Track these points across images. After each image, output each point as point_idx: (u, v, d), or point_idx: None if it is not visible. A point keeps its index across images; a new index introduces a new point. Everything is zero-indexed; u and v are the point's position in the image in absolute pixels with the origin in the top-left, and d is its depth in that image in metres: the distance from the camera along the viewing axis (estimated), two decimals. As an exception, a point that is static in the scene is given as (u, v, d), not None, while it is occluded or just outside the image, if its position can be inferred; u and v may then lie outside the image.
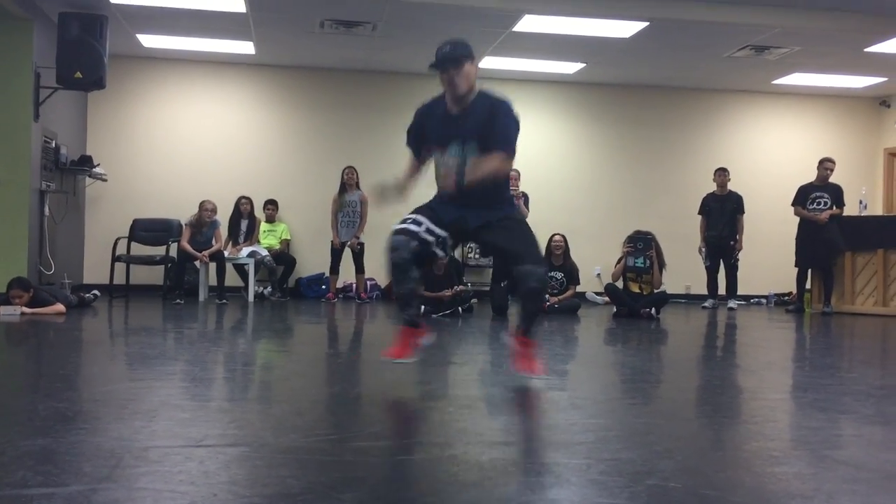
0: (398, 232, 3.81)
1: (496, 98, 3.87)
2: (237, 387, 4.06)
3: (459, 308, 8.10)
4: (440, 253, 3.92)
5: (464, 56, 3.78)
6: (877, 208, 11.59)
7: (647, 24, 8.41)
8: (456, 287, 8.21)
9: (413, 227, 3.81)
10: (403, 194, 3.96)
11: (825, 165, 9.51)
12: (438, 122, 3.90)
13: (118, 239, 9.56)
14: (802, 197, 9.49)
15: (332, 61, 10.45)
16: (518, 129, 3.84)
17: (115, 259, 9.42)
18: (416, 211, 3.92)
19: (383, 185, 3.95)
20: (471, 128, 3.79)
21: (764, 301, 11.22)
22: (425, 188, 4.05)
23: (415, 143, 4.05)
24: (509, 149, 3.78)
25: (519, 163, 11.58)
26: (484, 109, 3.81)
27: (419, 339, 4.06)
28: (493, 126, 3.77)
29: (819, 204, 9.41)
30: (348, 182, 9.79)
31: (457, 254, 10.38)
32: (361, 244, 9.75)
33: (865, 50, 9.30)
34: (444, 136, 3.86)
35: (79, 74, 8.10)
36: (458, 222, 3.86)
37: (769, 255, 10.95)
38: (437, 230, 3.83)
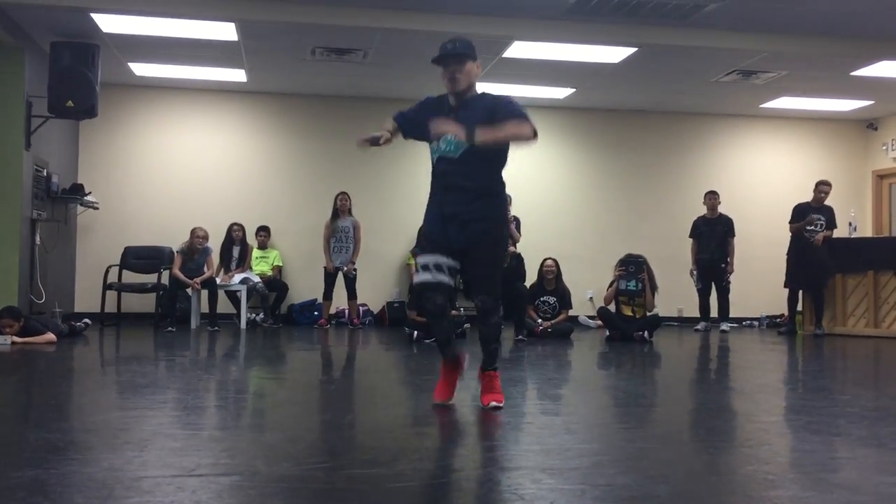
0: (426, 285, 3.86)
1: (498, 95, 3.94)
2: (229, 415, 4.03)
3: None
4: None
5: (466, 54, 3.86)
6: (866, 230, 11.65)
7: (635, 49, 8.49)
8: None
9: (438, 277, 3.85)
10: (380, 143, 3.88)
11: (821, 189, 9.55)
12: (439, 115, 3.87)
13: (109, 267, 9.53)
14: (800, 216, 9.51)
15: (324, 88, 10.51)
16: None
17: (107, 287, 9.38)
18: (426, 250, 3.92)
19: (370, 136, 3.89)
20: (468, 121, 3.74)
21: (756, 323, 11.23)
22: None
23: (402, 120, 4.02)
24: (524, 117, 3.75)
25: (510, 187, 11.54)
26: (485, 106, 3.84)
27: (461, 370, 4.12)
28: (498, 114, 3.77)
29: (816, 226, 9.46)
30: (341, 208, 9.81)
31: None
32: (355, 270, 9.76)
33: (851, 73, 9.41)
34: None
35: (70, 103, 8.11)
36: (448, 230, 3.85)
37: (760, 277, 10.98)
38: (449, 262, 3.86)
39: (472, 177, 3.81)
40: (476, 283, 3.96)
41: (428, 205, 4.00)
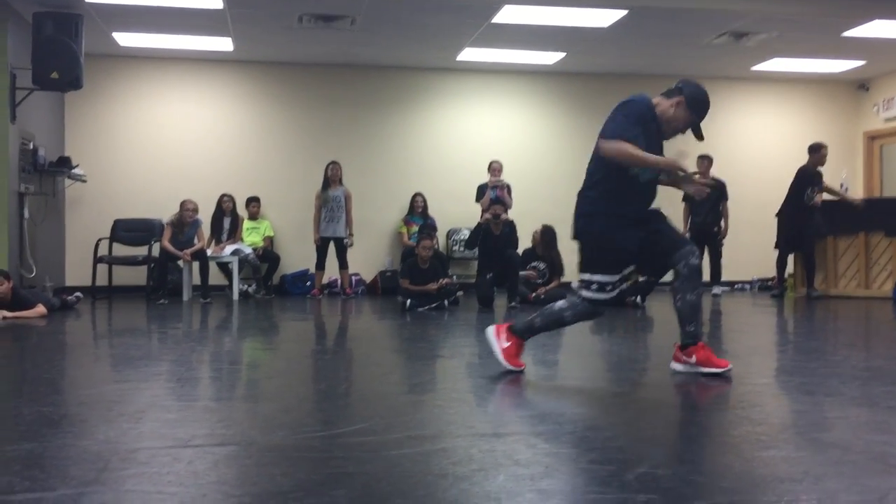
0: (604, 302, 3.88)
1: None
2: (224, 386, 4.03)
3: (445, 301, 8.09)
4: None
5: None
6: (857, 191, 11.67)
7: (626, 12, 8.41)
8: (441, 280, 8.20)
9: (613, 295, 3.88)
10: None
11: (823, 153, 9.44)
12: (652, 136, 3.87)
13: (100, 240, 9.48)
14: (808, 180, 9.36)
15: (312, 56, 10.40)
16: None
17: (97, 260, 9.35)
18: (611, 269, 3.86)
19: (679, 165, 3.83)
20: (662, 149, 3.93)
21: (747, 286, 11.28)
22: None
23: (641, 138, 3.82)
24: None
25: (502, 153, 11.53)
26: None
27: None
28: None
29: (814, 190, 9.43)
30: (332, 178, 9.75)
31: (441, 246, 10.38)
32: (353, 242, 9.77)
33: (843, 34, 9.35)
34: (659, 151, 3.91)
35: (55, 74, 8.00)
36: (642, 242, 3.85)
37: (752, 240, 11.00)
38: (625, 273, 3.91)
39: None
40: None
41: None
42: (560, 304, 3.99)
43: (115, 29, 9.09)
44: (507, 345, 4.03)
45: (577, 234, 3.97)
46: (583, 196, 3.95)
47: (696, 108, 3.91)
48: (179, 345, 5.58)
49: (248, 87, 10.72)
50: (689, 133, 4.02)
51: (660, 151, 3.90)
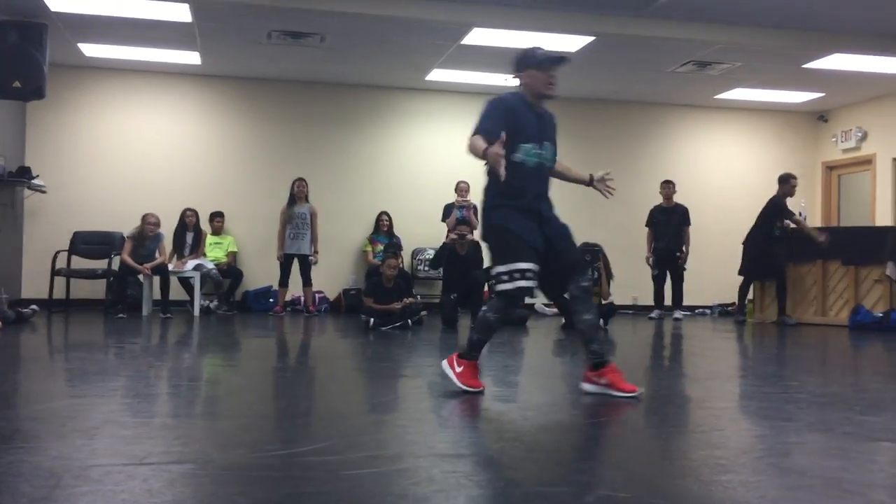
0: (523, 292, 3.86)
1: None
2: (182, 402, 3.97)
3: (409, 320, 8.07)
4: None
5: None
6: (815, 220, 11.90)
7: (593, 38, 8.53)
8: (405, 299, 8.18)
9: (533, 284, 3.87)
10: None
11: (793, 183, 9.52)
12: (531, 118, 4.00)
13: (58, 252, 9.32)
14: (779, 211, 9.51)
15: (280, 73, 10.38)
16: None
17: (55, 273, 9.19)
18: (526, 257, 3.85)
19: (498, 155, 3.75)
20: (550, 131, 4.08)
21: (708, 311, 11.41)
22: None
23: (498, 131, 3.82)
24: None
25: (469, 174, 11.59)
26: (551, 117, 4.10)
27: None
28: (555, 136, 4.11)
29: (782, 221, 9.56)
30: (298, 194, 9.72)
31: (406, 266, 10.37)
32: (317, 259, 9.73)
33: (803, 66, 9.58)
34: (539, 134, 3.99)
35: (17, 83, 7.90)
36: (541, 238, 3.92)
37: (713, 266, 11.15)
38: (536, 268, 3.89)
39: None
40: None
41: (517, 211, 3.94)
42: (482, 309, 4.08)
43: (81, 39, 9.00)
44: (460, 369, 4.05)
45: (483, 233, 4.08)
46: (483, 194, 4.08)
47: (528, 62, 4.17)
48: (137, 360, 5.49)
49: (214, 102, 10.67)
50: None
51: (543, 133, 4.04)
